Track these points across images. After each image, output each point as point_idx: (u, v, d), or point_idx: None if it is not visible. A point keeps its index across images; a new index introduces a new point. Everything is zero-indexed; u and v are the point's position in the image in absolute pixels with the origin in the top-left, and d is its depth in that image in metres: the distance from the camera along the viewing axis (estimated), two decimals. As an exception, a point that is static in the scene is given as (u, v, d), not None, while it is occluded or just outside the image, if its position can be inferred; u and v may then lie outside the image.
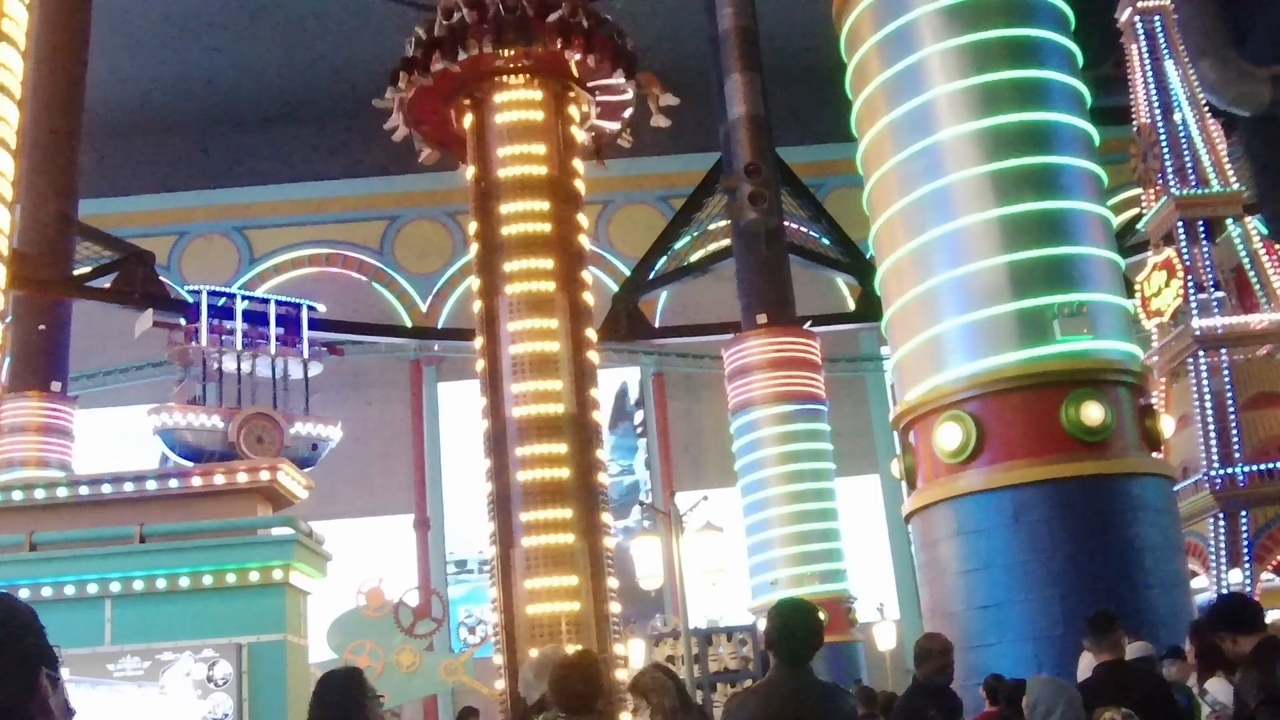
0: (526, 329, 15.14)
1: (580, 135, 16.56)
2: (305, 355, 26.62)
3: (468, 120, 16.48)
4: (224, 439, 24.74)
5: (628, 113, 17.23)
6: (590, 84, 16.56)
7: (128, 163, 34.14)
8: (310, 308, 27.44)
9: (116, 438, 34.21)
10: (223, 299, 26.55)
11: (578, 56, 15.81)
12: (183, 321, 26.14)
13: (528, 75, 15.80)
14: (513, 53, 15.55)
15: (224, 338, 25.79)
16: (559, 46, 15.56)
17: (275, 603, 10.19)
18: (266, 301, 27.03)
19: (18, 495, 10.72)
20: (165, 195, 35.19)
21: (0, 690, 1.76)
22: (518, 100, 15.92)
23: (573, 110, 16.34)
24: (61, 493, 10.70)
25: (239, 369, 25.78)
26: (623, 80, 16.43)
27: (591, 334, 16.21)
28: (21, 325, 24.47)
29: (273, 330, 26.30)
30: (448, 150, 17.64)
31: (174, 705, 9.51)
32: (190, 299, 26.26)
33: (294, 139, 35.73)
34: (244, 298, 26.71)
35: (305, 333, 26.71)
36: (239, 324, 25.96)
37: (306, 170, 35.43)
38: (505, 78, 15.83)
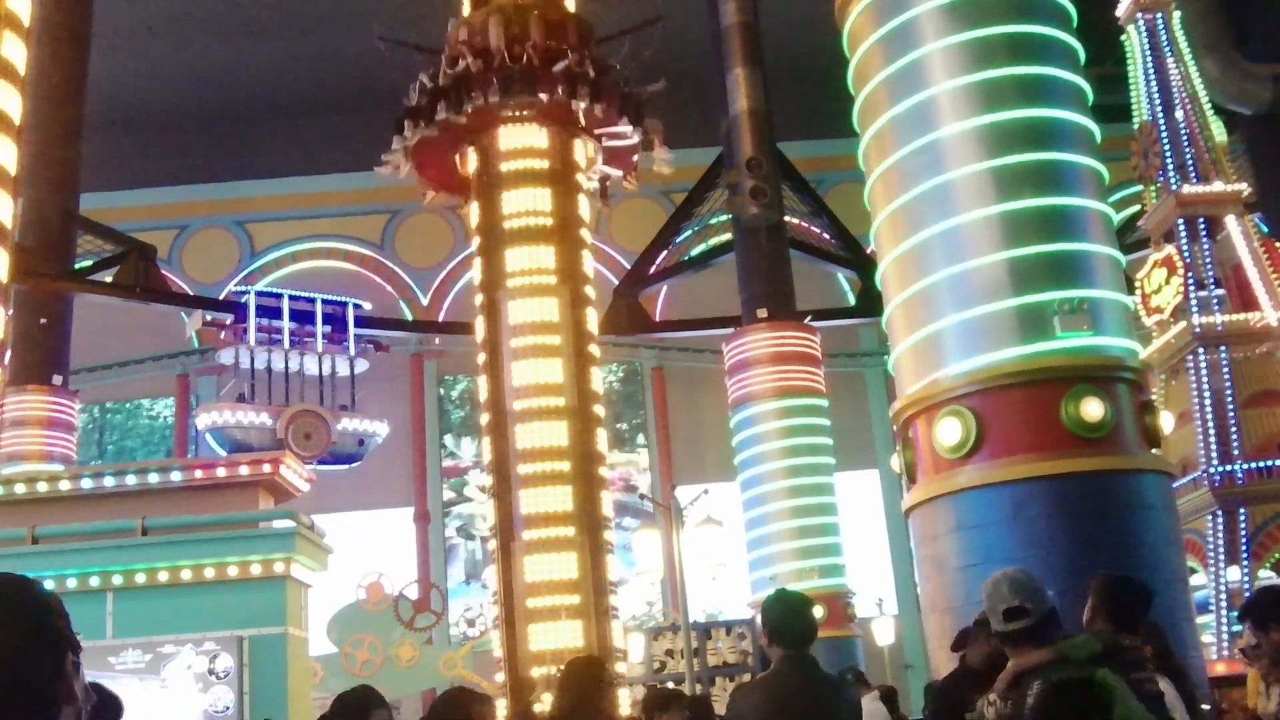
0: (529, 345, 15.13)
1: (586, 182, 16.25)
2: (351, 352, 26.88)
3: (472, 165, 16.18)
4: (272, 436, 25.24)
5: (635, 158, 17.01)
6: (597, 131, 16.19)
7: (129, 157, 34.13)
8: (356, 305, 27.79)
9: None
10: (307, 305, 26.81)
11: (584, 105, 15.48)
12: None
13: (534, 123, 15.45)
14: (518, 103, 15.18)
15: (272, 336, 26.15)
16: (565, 96, 15.22)
17: (276, 596, 10.22)
18: (313, 300, 27.20)
19: (20, 488, 10.75)
20: (166, 189, 35.20)
21: (29, 670, 1.78)
22: (523, 148, 15.58)
23: (579, 156, 16.06)
24: (63, 486, 10.73)
25: (286, 367, 26.02)
26: (629, 128, 16.15)
27: (593, 327, 16.27)
28: (23, 319, 24.48)
29: (319, 328, 26.56)
30: (451, 193, 17.40)
31: (175, 698, 9.54)
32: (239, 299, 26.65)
33: (295, 132, 35.72)
34: (291, 297, 26.88)
35: (351, 330, 27.01)
36: (286, 323, 26.19)
37: (308, 164, 35.42)
38: (510, 126, 15.49)
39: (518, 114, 15.54)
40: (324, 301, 27.42)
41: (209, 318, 26.80)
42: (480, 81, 15.21)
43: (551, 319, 15.38)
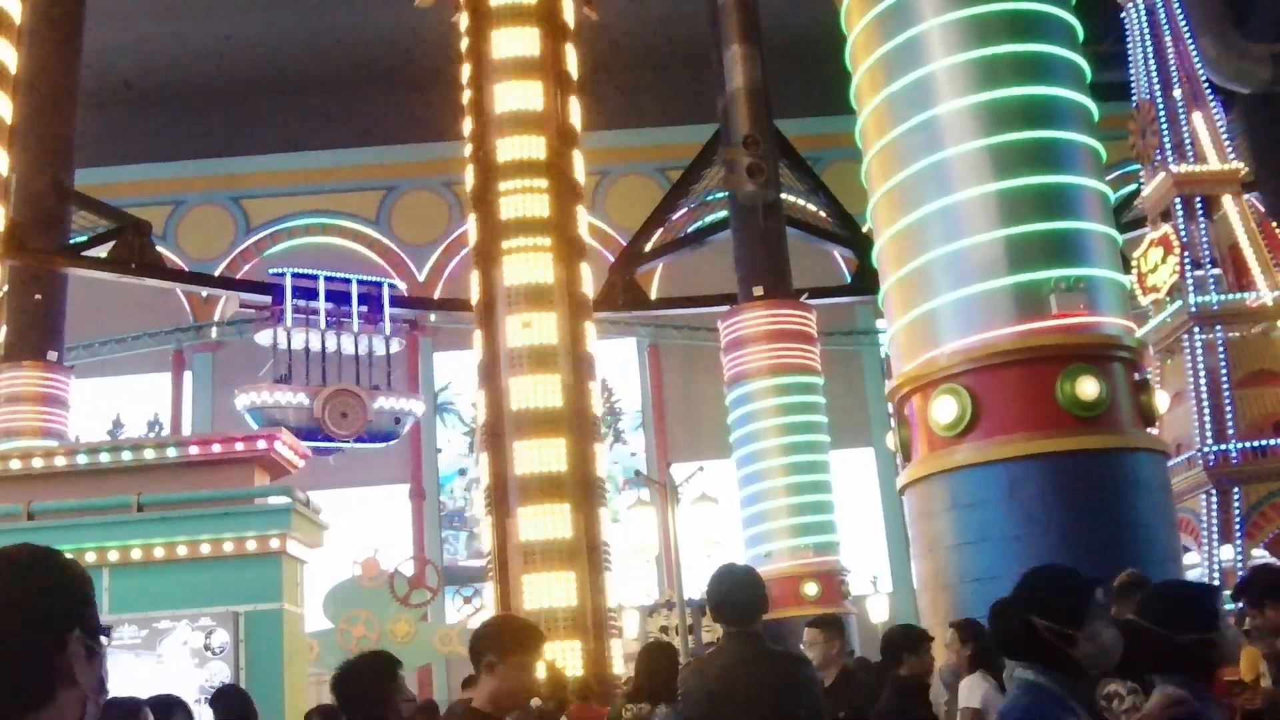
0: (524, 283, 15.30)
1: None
2: (387, 332, 27.14)
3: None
4: (309, 415, 25.57)
5: None
6: None
7: (124, 132, 33.99)
8: (391, 286, 28.09)
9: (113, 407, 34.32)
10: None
11: None
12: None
13: None
14: None
15: (309, 317, 26.55)
16: None
17: (272, 572, 10.23)
18: (349, 281, 27.51)
19: (15, 464, 10.74)
20: (162, 165, 35.06)
21: (18, 645, 1.70)
22: None
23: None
24: (59, 462, 10.73)
25: (323, 347, 26.27)
26: None
27: (586, 282, 16.34)
28: (17, 295, 24.44)
29: (355, 308, 26.80)
30: None
31: (171, 673, 9.56)
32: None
33: (291, 109, 35.58)
34: (327, 278, 27.10)
35: (387, 310, 27.28)
36: (322, 303, 26.40)
37: (304, 140, 35.30)
38: None
39: None
40: (359, 282, 27.83)
41: (264, 302, 26.97)
42: None
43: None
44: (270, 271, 27.52)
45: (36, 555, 1.80)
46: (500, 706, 3.93)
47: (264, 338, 26.62)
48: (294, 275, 26.75)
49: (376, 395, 26.79)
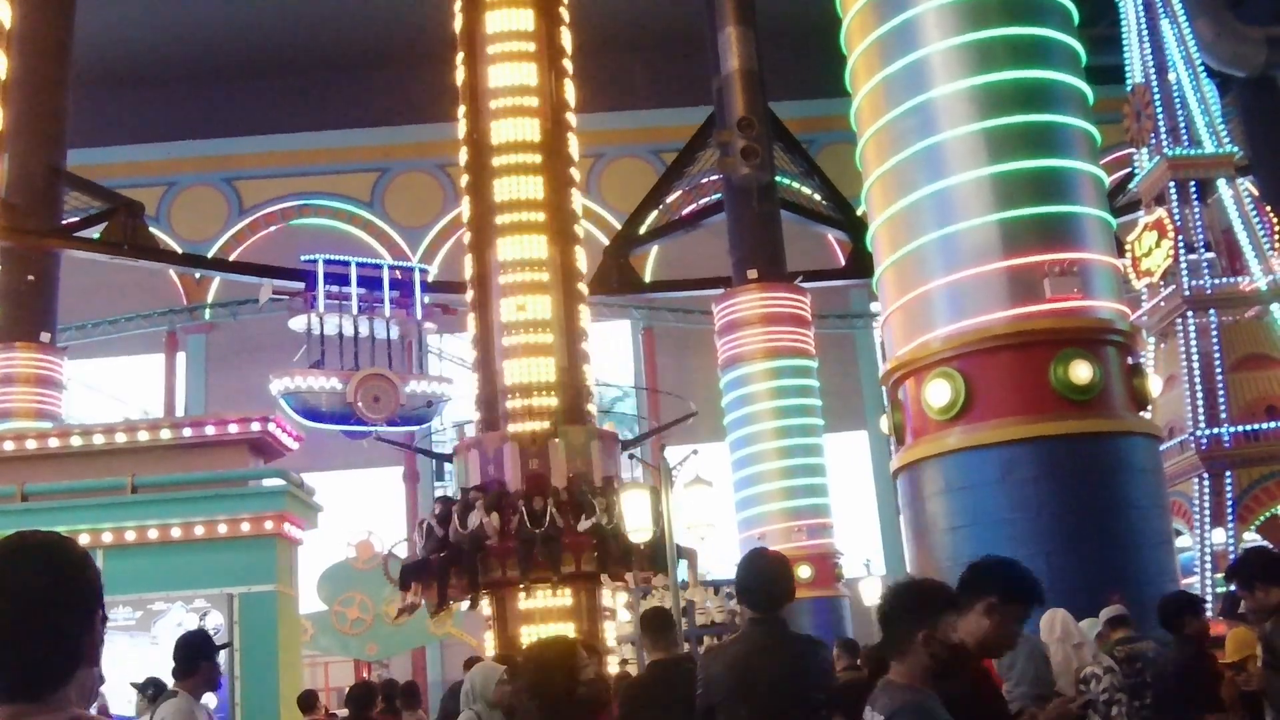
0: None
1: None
2: (419, 317, 27.32)
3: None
4: (343, 400, 25.92)
5: None
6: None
7: (117, 113, 33.84)
8: (423, 270, 28.22)
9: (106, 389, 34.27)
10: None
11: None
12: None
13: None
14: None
15: (342, 303, 26.78)
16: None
17: (266, 553, 10.24)
18: (380, 267, 27.79)
19: (9, 446, 10.73)
20: (154, 146, 34.92)
21: (58, 617, 1.80)
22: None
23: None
24: (53, 443, 10.72)
25: (355, 332, 26.53)
26: None
27: (583, 288, 16.30)
28: (10, 276, 24.40)
29: (386, 293, 26.96)
30: None
31: (166, 655, 9.56)
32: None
33: (284, 90, 35.44)
34: (359, 264, 27.26)
35: (418, 294, 27.40)
36: (354, 289, 26.58)
37: (297, 121, 35.16)
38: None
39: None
40: (390, 267, 28.07)
41: (296, 288, 27.06)
42: (498, 554, 14.47)
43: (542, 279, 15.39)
44: (302, 258, 27.59)
45: (58, 537, 1.93)
46: (985, 649, 3.92)
47: (297, 323, 26.76)
48: (326, 261, 26.95)
49: (408, 379, 27.01)
